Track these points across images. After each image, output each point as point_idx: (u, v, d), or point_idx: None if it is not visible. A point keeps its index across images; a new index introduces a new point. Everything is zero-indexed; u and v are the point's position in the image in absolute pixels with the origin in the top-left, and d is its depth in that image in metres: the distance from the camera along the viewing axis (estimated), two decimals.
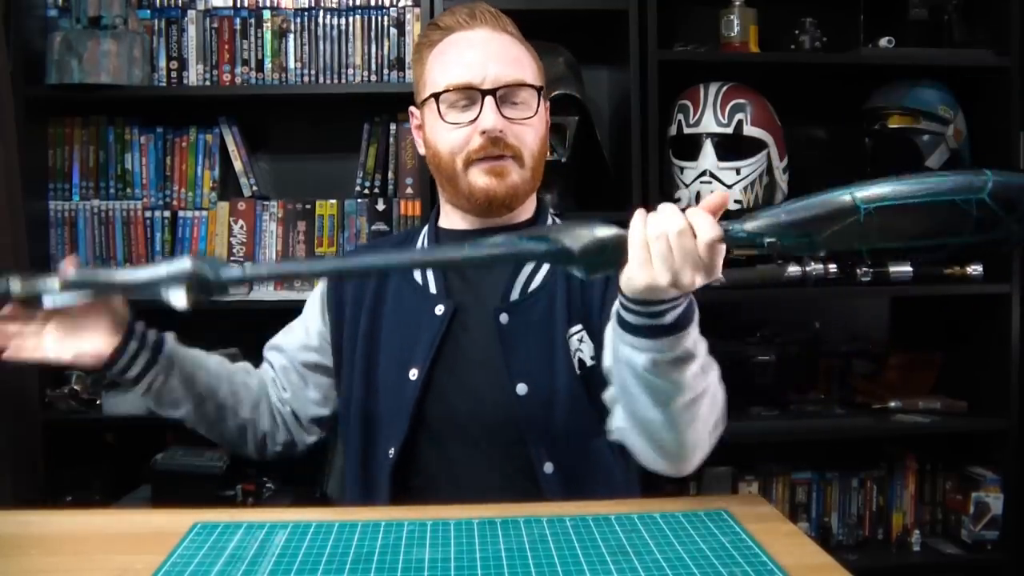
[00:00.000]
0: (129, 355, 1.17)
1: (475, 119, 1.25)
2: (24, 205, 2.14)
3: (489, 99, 1.24)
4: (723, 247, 0.94)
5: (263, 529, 1.03)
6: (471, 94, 1.25)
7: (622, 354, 1.04)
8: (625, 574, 0.89)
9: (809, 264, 2.40)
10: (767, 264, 2.40)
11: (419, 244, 1.38)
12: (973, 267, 2.43)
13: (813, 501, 2.52)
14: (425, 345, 1.26)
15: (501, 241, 1.01)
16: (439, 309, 1.28)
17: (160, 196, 2.44)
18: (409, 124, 1.41)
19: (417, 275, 1.32)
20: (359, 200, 2.44)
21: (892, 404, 2.47)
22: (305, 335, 1.38)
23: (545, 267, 1.30)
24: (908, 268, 2.43)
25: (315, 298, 1.40)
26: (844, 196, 0.87)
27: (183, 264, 1.01)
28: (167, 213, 2.42)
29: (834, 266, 2.42)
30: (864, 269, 2.41)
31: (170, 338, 1.24)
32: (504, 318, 1.27)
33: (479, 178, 1.26)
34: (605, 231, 0.97)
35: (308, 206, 2.44)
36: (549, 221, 1.37)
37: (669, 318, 0.98)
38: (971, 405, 2.48)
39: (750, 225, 0.92)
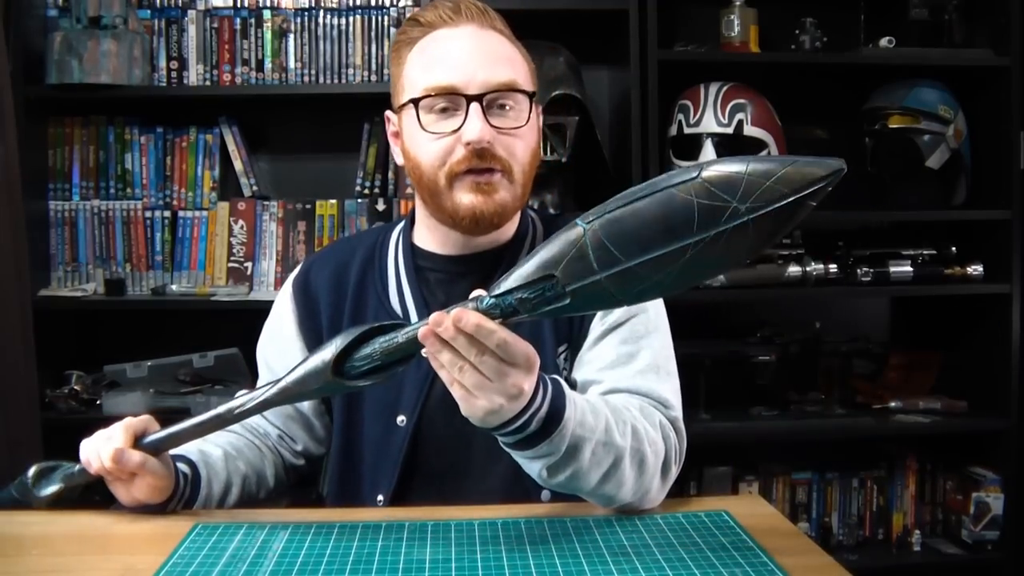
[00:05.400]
0: (176, 499, 1.12)
1: (458, 128, 1.13)
2: (24, 205, 2.14)
3: (475, 106, 1.12)
4: (489, 330, 0.86)
5: (263, 530, 1.03)
6: (454, 99, 1.13)
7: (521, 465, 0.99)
8: (626, 574, 0.90)
9: (809, 264, 2.41)
10: (767, 264, 2.41)
11: (391, 262, 1.27)
12: (973, 267, 2.44)
13: (813, 501, 2.53)
14: (413, 390, 1.19)
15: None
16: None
17: (160, 196, 2.44)
18: (386, 130, 1.28)
19: (395, 301, 1.23)
20: (359, 200, 2.44)
21: (892, 404, 2.48)
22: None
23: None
24: (908, 268, 2.43)
25: (287, 330, 1.28)
26: (574, 224, 0.87)
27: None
28: (167, 213, 2.43)
29: (834, 266, 2.43)
30: (864, 269, 2.42)
31: (201, 467, 1.16)
32: None
33: (464, 195, 1.14)
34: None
35: (308, 206, 2.44)
36: (531, 230, 1.26)
37: (534, 425, 0.93)
38: (971, 405, 2.48)
39: (498, 289, 0.88)
